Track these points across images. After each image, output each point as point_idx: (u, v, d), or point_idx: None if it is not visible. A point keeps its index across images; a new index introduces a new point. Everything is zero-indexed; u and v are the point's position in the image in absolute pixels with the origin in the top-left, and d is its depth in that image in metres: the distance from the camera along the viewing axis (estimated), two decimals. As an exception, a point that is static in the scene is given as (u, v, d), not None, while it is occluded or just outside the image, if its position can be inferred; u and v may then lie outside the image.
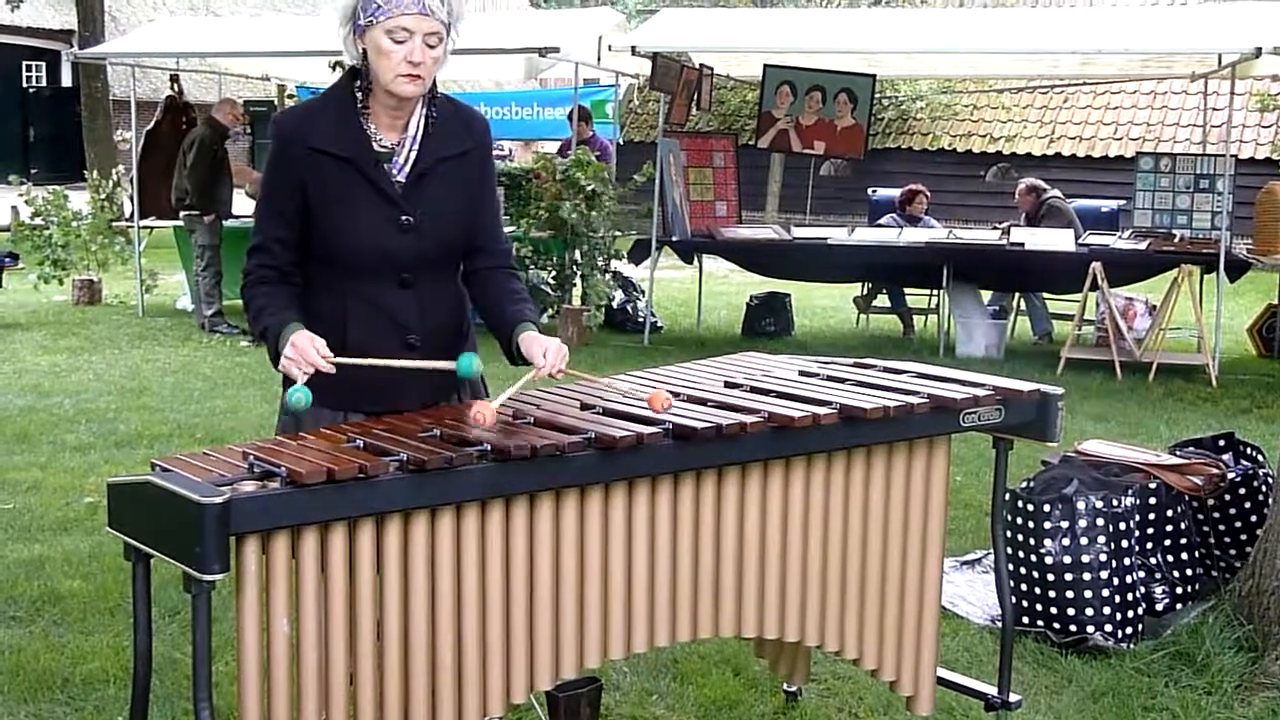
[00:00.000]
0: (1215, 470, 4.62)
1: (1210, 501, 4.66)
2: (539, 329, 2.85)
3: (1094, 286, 9.03)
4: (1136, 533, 4.38)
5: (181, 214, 10.63)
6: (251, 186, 12.91)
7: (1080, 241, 10.00)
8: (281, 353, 2.66)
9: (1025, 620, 4.26)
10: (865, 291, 11.41)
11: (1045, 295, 10.87)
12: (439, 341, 2.87)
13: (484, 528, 2.41)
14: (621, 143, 14.33)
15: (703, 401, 2.81)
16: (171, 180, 10.64)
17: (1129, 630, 4.19)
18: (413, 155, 2.80)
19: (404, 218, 2.78)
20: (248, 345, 9.60)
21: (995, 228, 10.99)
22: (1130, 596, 4.22)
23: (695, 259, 11.31)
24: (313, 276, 2.86)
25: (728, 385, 3.00)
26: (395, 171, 2.79)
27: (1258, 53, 8.74)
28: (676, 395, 2.83)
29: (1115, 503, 4.27)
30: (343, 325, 2.80)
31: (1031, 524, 4.27)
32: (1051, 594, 4.21)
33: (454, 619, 2.40)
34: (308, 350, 2.63)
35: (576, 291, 10.49)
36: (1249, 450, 4.83)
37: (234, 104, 11.02)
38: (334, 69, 11.04)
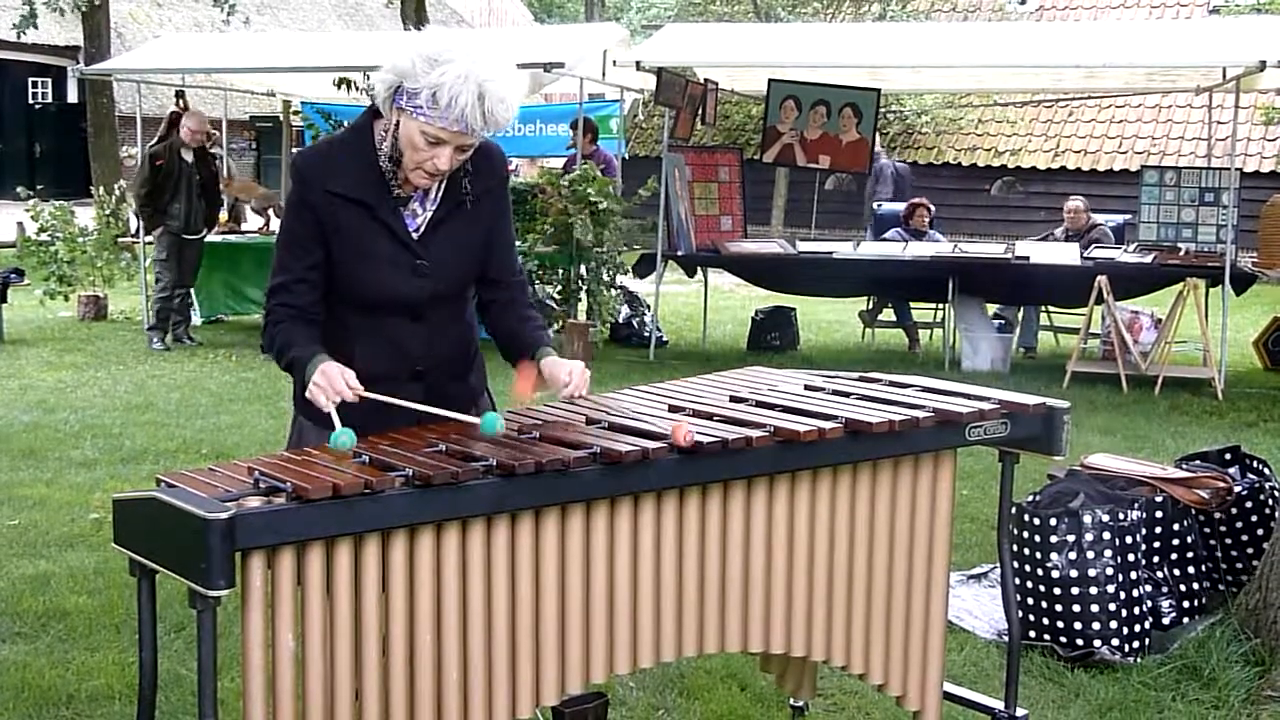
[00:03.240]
0: (1222, 484, 4.62)
1: (1217, 515, 4.65)
2: (557, 353, 2.90)
3: (1099, 300, 9.03)
4: (1143, 546, 4.37)
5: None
6: (258, 201, 12.96)
7: (1086, 255, 10.01)
8: (309, 381, 2.66)
9: (1032, 634, 4.25)
10: (870, 305, 11.41)
11: (1051, 309, 10.88)
12: (446, 369, 2.90)
13: (490, 543, 2.40)
14: (626, 157, 14.35)
15: (708, 416, 2.80)
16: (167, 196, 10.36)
17: (1136, 644, 4.18)
18: (433, 202, 2.80)
19: (419, 262, 2.78)
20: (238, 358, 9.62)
21: (1045, 238, 10.98)
22: (1137, 610, 4.21)
23: (700, 273, 11.32)
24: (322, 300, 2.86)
25: (733, 400, 2.99)
26: (415, 216, 2.79)
27: (1262, 66, 8.74)
28: (681, 410, 2.83)
29: (1121, 517, 4.26)
30: (350, 348, 2.79)
31: (1038, 538, 4.26)
32: (1058, 608, 4.20)
33: (459, 635, 2.39)
34: (336, 379, 2.63)
35: (582, 306, 10.50)
36: (1255, 464, 4.82)
37: (197, 117, 10.48)
38: (339, 86, 11.08)
